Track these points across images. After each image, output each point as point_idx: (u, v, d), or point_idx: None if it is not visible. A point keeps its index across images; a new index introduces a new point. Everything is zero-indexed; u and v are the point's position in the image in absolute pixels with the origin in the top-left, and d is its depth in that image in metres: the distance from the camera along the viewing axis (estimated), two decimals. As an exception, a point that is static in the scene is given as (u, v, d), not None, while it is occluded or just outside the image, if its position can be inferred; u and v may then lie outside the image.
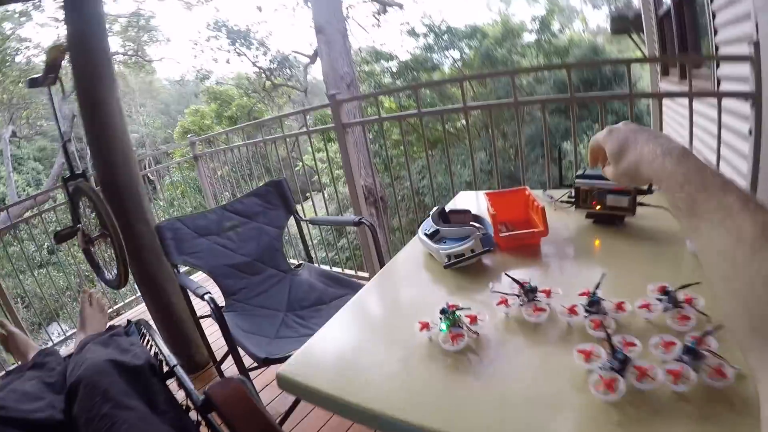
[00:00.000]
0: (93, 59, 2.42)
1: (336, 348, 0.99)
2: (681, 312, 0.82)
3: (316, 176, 9.98)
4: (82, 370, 1.26)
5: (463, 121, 13.27)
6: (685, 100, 2.13)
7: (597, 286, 0.88)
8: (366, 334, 1.00)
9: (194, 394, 1.23)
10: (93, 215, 2.76)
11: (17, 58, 13.26)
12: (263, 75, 15.03)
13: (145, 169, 4.61)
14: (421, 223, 1.36)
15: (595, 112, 12.09)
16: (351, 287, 2.30)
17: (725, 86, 2.79)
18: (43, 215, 3.96)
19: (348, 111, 8.70)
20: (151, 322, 3.35)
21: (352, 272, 3.59)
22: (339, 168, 8.73)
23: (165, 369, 1.45)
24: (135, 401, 1.20)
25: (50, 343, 3.67)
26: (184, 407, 1.32)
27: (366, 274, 3.45)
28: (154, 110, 22.40)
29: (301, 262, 2.65)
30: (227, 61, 15.30)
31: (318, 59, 10.70)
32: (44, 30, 17.28)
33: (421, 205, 11.56)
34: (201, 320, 2.44)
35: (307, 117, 13.43)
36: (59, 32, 13.81)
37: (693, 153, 0.61)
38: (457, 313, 0.88)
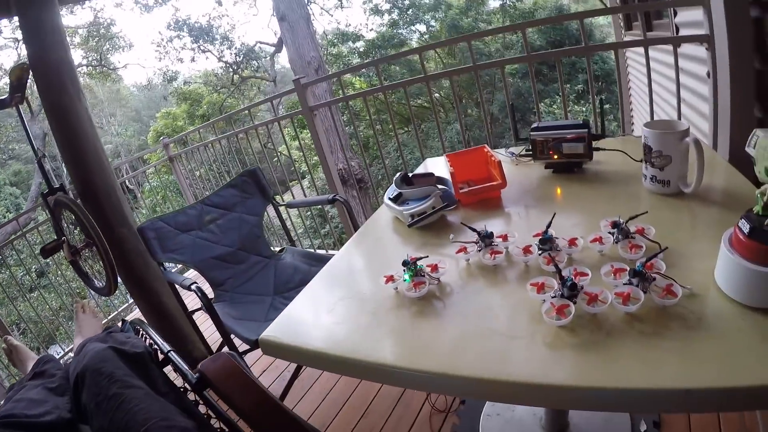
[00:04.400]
0: (56, 71, 2.43)
1: (312, 311, 1.06)
2: (632, 242, 0.89)
3: (294, 165, 10.02)
4: (86, 359, 1.32)
5: (437, 94, 13.31)
6: (651, 51, 2.17)
7: (548, 226, 0.95)
8: (339, 295, 1.06)
9: (189, 374, 1.29)
10: (75, 227, 2.78)
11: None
12: (230, 69, 14.87)
13: (123, 176, 4.65)
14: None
15: (566, 71, 12.17)
16: (334, 264, 2.35)
17: (684, 32, 2.79)
18: (27, 236, 3.97)
19: (319, 95, 8.73)
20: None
21: (336, 252, 3.64)
22: (315, 154, 8.72)
23: (161, 357, 1.51)
24: (139, 381, 1.27)
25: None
26: (181, 389, 1.39)
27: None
28: (125, 119, 22.10)
29: (283, 246, 2.70)
30: (192, 60, 15.04)
31: (284, 47, 10.62)
32: (3, 52, 16.97)
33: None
34: (193, 315, 2.49)
35: (279, 106, 13.33)
36: (19, 53, 13.63)
37: None
38: (419, 263, 0.94)
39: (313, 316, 1.03)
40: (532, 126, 1.36)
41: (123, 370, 1.30)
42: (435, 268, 0.96)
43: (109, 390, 1.23)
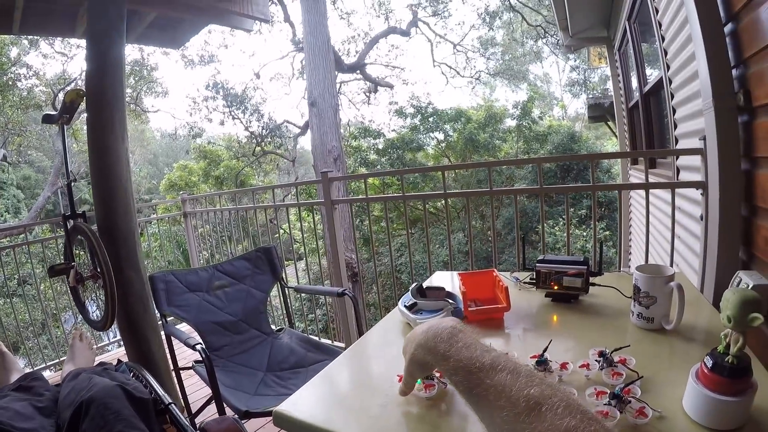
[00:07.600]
0: (109, 108, 2.54)
1: (326, 393, 1.17)
2: (615, 370, 1.04)
3: (295, 245, 10.15)
4: (95, 391, 1.38)
5: (443, 201, 13.67)
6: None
7: (545, 350, 1.10)
8: (353, 384, 1.17)
9: (189, 430, 1.36)
10: (85, 255, 2.78)
11: (18, 84, 13.60)
12: (254, 140, 15.42)
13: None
14: (399, 298, 1.58)
15: (570, 196, 12.66)
16: (330, 353, 2.43)
17: (683, 176, 3.03)
18: (30, 246, 3.98)
19: (335, 186, 9.00)
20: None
21: (329, 342, 3.70)
22: (318, 239, 8.88)
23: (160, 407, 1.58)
24: (142, 425, 1.34)
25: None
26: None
27: (342, 345, 3.56)
28: (141, 159, 22.59)
29: (282, 327, 2.79)
30: (221, 123, 15.68)
31: (308, 131, 11.08)
32: (47, 61, 17.73)
33: (398, 283, 11.68)
34: (180, 372, 2.53)
35: (292, 188, 13.66)
36: (65, 68, 14.54)
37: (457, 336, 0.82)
38: (429, 369, 1.07)
39: (327, 398, 1.14)
40: (539, 258, 1.56)
41: (129, 410, 1.37)
42: (443, 374, 1.08)
43: (114, 427, 1.29)
